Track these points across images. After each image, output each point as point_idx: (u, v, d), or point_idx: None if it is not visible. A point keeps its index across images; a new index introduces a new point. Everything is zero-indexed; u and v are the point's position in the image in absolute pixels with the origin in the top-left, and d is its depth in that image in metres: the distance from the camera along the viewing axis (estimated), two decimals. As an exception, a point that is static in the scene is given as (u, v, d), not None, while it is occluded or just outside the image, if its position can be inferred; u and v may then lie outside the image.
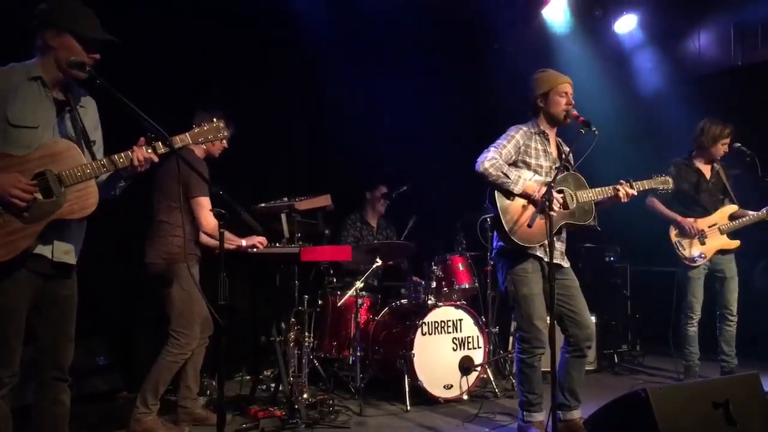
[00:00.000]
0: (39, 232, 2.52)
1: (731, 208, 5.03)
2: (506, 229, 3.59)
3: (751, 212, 4.98)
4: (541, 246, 3.64)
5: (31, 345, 2.64)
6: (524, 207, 3.62)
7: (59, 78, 2.67)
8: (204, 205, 3.87)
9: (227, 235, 3.74)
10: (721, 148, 4.95)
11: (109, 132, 2.93)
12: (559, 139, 3.90)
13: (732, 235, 4.99)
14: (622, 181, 3.75)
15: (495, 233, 3.81)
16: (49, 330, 2.68)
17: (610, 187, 3.74)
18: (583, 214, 3.73)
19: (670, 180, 4.01)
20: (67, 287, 2.71)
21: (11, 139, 2.54)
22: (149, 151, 2.66)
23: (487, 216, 4.88)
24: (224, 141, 4.11)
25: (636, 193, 3.77)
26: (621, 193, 3.71)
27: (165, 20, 5.15)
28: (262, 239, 4.12)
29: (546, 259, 3.60)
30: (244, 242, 4.09)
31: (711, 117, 5.00)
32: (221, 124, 2.88)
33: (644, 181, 3.87)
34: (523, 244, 3.60)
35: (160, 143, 2.67)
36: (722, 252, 4.99)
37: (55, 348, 2.69)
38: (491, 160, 3.59)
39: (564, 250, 3.79)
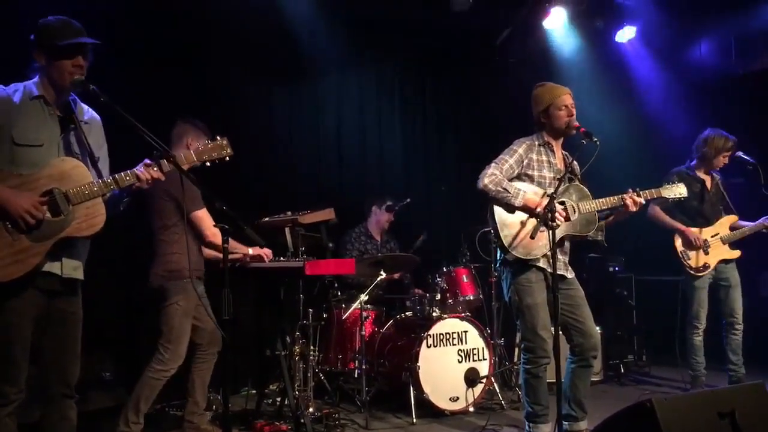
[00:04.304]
0: (48, 249, 2.54)
1: (731, 218, 5.04)
2: (505, 243, 3.61)
3: (749, 223, 4.99)
4: (543, 257, 3.65)
5: (36, 363, 2.66)
6: (523, 222, 3.63)
7: (58, 95, 2.70)
8: (203, 216, 3.87)
9: (233, 243, 3.74)
10: (722, 159, 4.96)
11: (114, 147, 2.95)
12: (565, 152, 3.91)
13: (732, 244, 4.99)
14: (629, 190, 3.74)
15: (496, 246, 3.82)
16: (55, 347, 2.69)
17: (614, 197, 3.72)
18: (586, 225, 3.73)
19: (683, 186, 3.90)
20: (72, 304, 2.73)
21: (18, 158, 2.57)
22: (155, 169, 2.69)
23: (485, 229, 4.89)
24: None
25: (644, 202, 3.74)
26: (629, 202, 3.68)
27: (163, 34, 5.20)
28: (268, 251, 4.13)
29: (549, 270, 3.62)
30: (250, 251, 4.10)
31: (714, 128, 5.00)
32: (225, 142, 2.90)
33: (652, 190, 3.81)
34: (523, 258, 3.61)
35: (165, 161, 2.70)
36: (725, 261, 4.98)
37: (61, 365, 2.71)
38: (490, 176, 3.61)
39: (567, 261, 3.80)
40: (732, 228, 5.01)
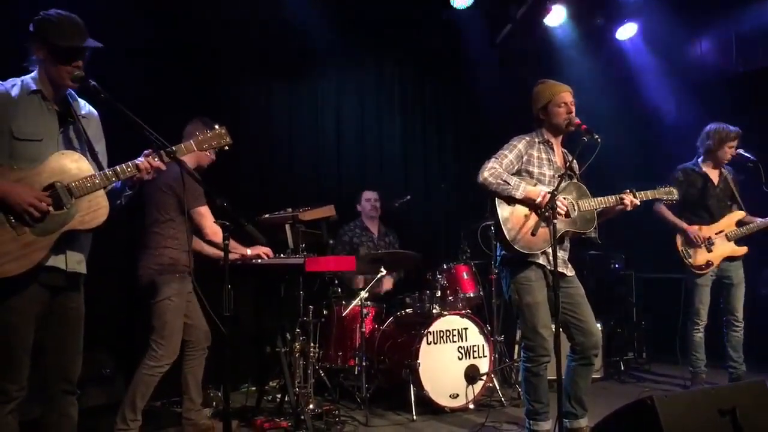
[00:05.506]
0: (52, 244, 2.54)
1: (739, 214, 4.97)
2: (508, 237, 3.59)
3: (758, 219, 4.93)
4: (543, 254, 3.65)
5: (37, 359, 2.65)
6: (526, 216, 3.62)
7: (56, 91, 2.70)
8: (204, 213, 3.87)
9: (231, 243, 3.74)
10: (728, 151, 4.91)
11: (115, 145, 2.95)
12: (564, 150, 3.91)
13: (739, 241, 4.95)
14: (627, 190, 3.75)
15: (497, 242, 3.82)
16: (58, 343, 2.69)
17: (612, 197, 3.74)
18: (585, 223, 3.73)
19: (675, 191, 3.97)
20: (75, 300, 2.73)
21: (17, 153, 2.57)
22: (156, 159, 2.69)
23: (487, 223, 4.90)
24: (212, 153, 4.05)
25: (639, 203, 3.78)
26: (627, 201, 3.72)
27: (164, 32, 5.20)
28: (268, 250, 4.13)
29: (549, 267, 3.61)
30: (249, 251, 4.09)
31: (718, 122, 4.98)
32: (224, 131, 2.90)
33: (647, 192, 3.85)
34: (525, 252, 3.61)
35: (164, 152, 2.71)
36: (730, 259, 4.95)
37: (64, 361, 2.71)
38: (490, 169, 3.60)
39: (567, 258, 3.79)
40: (740, 224, 4.95)
